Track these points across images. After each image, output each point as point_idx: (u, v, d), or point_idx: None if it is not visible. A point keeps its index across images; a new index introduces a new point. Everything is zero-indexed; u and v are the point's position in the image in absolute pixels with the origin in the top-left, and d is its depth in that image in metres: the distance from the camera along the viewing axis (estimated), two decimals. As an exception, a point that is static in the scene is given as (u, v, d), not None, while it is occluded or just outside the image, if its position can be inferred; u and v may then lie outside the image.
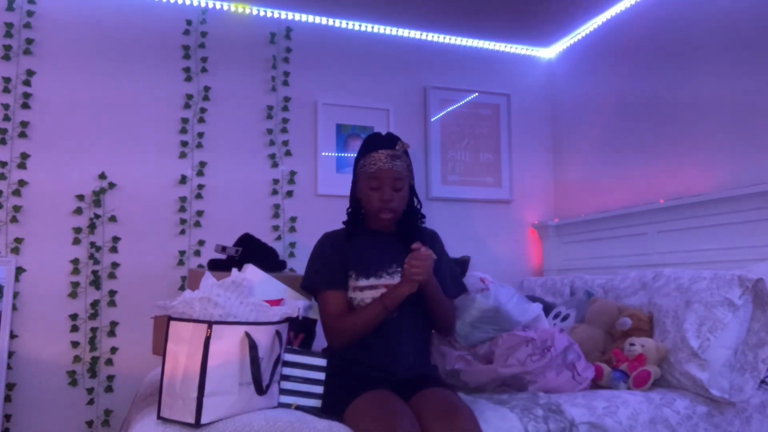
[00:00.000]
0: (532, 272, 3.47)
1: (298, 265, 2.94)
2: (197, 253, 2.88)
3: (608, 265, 2.91)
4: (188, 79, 2.95)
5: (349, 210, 1.91)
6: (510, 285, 2.11)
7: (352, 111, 3.21)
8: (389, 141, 1.83)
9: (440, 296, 1.79)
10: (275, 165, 3.06)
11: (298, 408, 1.56)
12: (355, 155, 1.88)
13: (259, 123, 3.06)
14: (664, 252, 2.63)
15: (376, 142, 1.83)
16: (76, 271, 2.70)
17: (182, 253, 2.86)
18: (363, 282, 1.74)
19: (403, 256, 1.76)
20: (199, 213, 2.91)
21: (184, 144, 2.92)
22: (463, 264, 2.44)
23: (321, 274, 1.78)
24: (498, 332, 1.95)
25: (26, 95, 2.70)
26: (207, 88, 2.97)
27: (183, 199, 2.89)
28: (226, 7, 3.04)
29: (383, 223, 1.82)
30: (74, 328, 2.68)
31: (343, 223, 1.91)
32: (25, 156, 2.68)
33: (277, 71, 3.10)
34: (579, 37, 3.41)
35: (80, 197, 2.74)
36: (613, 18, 3.14)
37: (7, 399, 2.55)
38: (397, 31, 3.34)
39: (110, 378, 2.70)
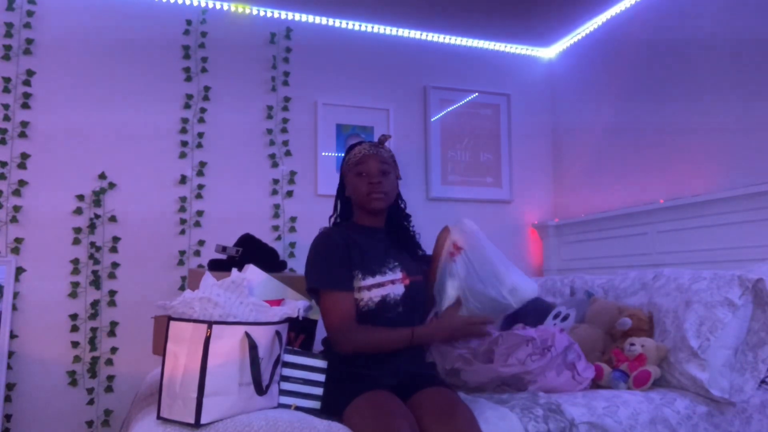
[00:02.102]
0: (532, 272, 3.46)
1: (298, 265, 2.94)
2: (197, 253, 2.89)
3: (608, 265, 2.91)
4: (188, 79, 2.95)
5: (336, 215, 1.94)
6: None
7: (352, 111, 3.21)
8: (370, 141, 1.92)
9: None
10: (275, 165, 3.06)
11: (298, 409, 1.56)
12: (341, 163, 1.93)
13: (259, 123, 3.06)
14: (664, 252, 2.63)
15: (358, 142, 1.91)
16: (76, 271, 2.70)
17: (182, 253, 2.86)
18: (369, 281, 1.73)
19: (396, 251, 1.83)
20: (199, 213, 2.91)
21: (184, 144, 2.92)
22: None
23: (329, 274, 1.73)
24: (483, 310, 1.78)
25: (26, 95, 2.70)
26: (207, 88, 2.97)
27: (183, 199, 2.89)
28: (226, 7, 3.04)
29: (375, 209, 1.82)
30: (74, 328, 2.68)
31: (334, 224, 1.93)
32: (25, 156, 2.68)
33: (277, 71, 3.11)
34: (579, 37, 3.41)
35: (80, 197, 2.74)
36: (613, 18, 3.14)
37: (7, 399, 2.55)
38: (397, 31, 3.34)
39: (110, 378, 2.71)
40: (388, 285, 1.73)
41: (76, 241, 2.72)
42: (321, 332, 1.89)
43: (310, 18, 3.18)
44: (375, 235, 1.85)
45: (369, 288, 1.73)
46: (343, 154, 3.09)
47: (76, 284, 2.70)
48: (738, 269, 2.04)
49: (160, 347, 1.52)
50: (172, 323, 1.44)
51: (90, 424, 2.67)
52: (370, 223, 1.86)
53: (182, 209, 2.89)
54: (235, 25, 3.05)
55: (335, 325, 1.71)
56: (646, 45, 2.90)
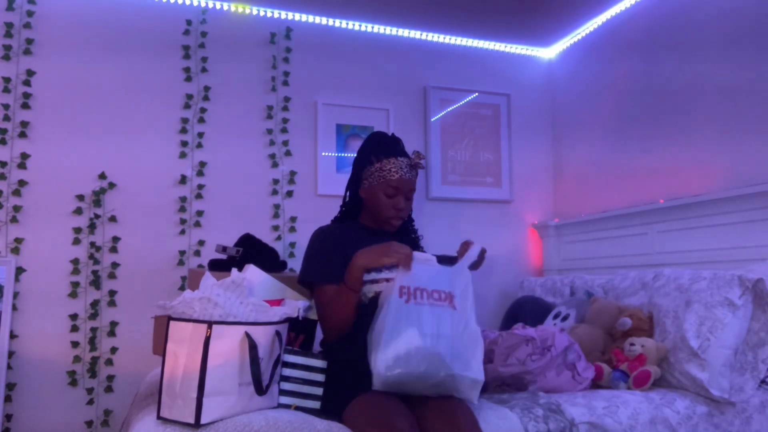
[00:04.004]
0: (532, 272, 3.47)
1: (298, 265, 2.93)
2: (197, 253, 2.88)
3: (608, 265, 2.91)
4: (188, 79, 2.95)
5: (344, 207, 1.92)
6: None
7: (352, 111, 3.21)
8: (402, 148, 1.85)
9: None
10: (275, 165, 3.06)
11: (298, 409, 1.56)
12: (362, 153, 1.87)
13: (259, 123, 3.06)
14: (664, 252, 2.63)
15: (392, 147, 1.84)
16: (76, 271, 2.70)
17: (182, 253, 2.86)
18: (364, 277, 1.74)
19: None
20: (199, 213, 2.91)
21: (184, 144, 2.92)
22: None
23: (319, 268, 1.77)
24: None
25: (26, 95, 2.70)
26: (207, 88, 2.97)
27: (183, 199, 2.89)
28: (226, 7, 3.04)
29: (389, 229, 1.84)
30: (74, 328, 2.68)
31: (337, 218, 1.92)
32: (25, 156, 2.68)
33: (277, 71, 3.10)
34: (579, 37, 3.41)
35: (80, 197, 2.74)
36: (613, 18, 3.14)
37: (7, 399, 2.55)
38: (397, 31, 3.34)
39: (110, 378, 2.70)
40: (382, 282, 1.73)
41: (76, 241, 2.72)
42: (321, 332, 1.89)
43: (310, 18, 3.18)
44: (377, 237, 1.85)
45: (362, 283, 1.73)
46: (344, 154, 3.16)
47: (76, 284, 2.70)
48: (738, 269, 2.04)
49: (160, 347, 1.52)
50: (172, 323, 1.44)
51: (90, 424, 2.67)
52: (375, 226, 1.87)
53: (182, 209, 2.89)
54: (235, 25, 3.05)
55: (321, 316, 1.75)
56: (646, 45, 2.90)
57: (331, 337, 1.73)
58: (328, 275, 1.75)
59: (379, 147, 1.84)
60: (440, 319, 1.49)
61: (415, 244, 1.96)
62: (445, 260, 1.95)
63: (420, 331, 1.44)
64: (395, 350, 1.44)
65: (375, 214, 1.83)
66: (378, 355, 1.46)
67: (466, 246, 1.71)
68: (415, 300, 1.50)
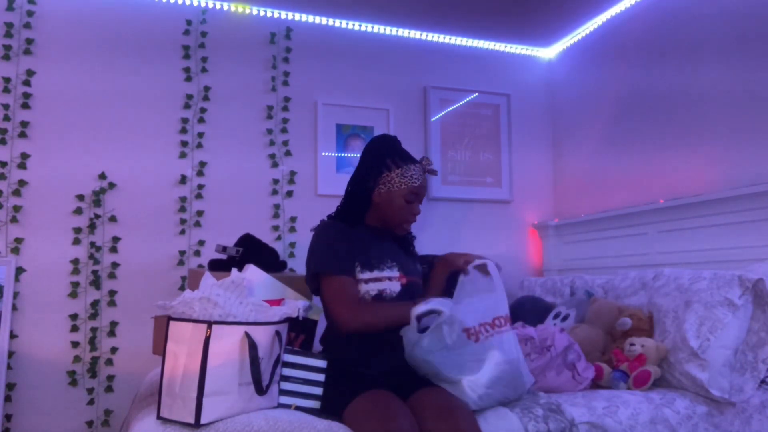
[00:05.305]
0: (532, 272, 3.47)
1: (298, 265, 2.94)
2: (197, 253, 2.89)
3: (608, 265, 2.91)
4: (188, 79, 2.95)
5: (347, 205, 1.89)
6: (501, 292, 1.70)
7: (352, 111, 3.21)
8: (410, 154, 1.90)
9: None
10: (275, 165, 3.06)
11: (298, 409, 1.57)
12: (375, 158, 1.86)
13: (259, 123, 3.06)
14: (664, 252, 2.63)
15: (407, 154, 1.88)
16: (76, 271, 2.70)
17: (182, 253, 2.86)
18: (367, 275, 1.75)
19: (396, 252, 1.85)
20: (199, 213, 2.91)
21: (184, 144, 2.92)
22: None
23: (334, 259, 1.74)
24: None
25: (26, 95, 2.70)
26: (207, 88, 2.97)
27: (183, 199, 2.89)
28: (226, 7, 3.04)
29: (401, 232, 1.87)
30: (74, 328, 2.68)
31: (337, 216, 1.89)
32: (25, 156, 2.68)
33: (277, 71, 3.11)
34: (579, 37, 3.41)
35: (80, 197, 2.74)
36: (613, 18, 3.14)
37: (7, 399, 2.55)
38: (397, 31, 3.34)
39: (110, 378, 2.70)
40: (385, 281, 1.75)
41: (76, 241, 2.72)
42: (321, 332, 1.89)
43: (310, 18, 3.18)
44: (379, 235, 1.87)
45: (366, 281, 1.75)
46: (344, 154, 3.16)
47: (76, 284, 2.70)
48: (738, 269, 2.04)
49: (160, 347, 1.52)
50: (172, 323, 1.44)
51: (90, 424, 2.67)
52: (381, 225, 1.88)
53: (182, 209, 2.89)
54: (235, 25, 3.05)
55: (341, 305, 1.69)
56: (646, 45, 2.90)
57: (356, 330, 1.68)
58: (344, 267, 1.73)
59: (397, 153, 1.86)
60: (509, 343, 1.63)
61: (410, 243, 1.97)
62: (427, 260, 1.98)
63: (499, 359, 1.61)
64: (483, 377, 1.59)
65: (389, 217, 1.84)
66: (468, 382, 1.59)
67: (462, 264, 1.74)
68: (483, 335, 1.60)
